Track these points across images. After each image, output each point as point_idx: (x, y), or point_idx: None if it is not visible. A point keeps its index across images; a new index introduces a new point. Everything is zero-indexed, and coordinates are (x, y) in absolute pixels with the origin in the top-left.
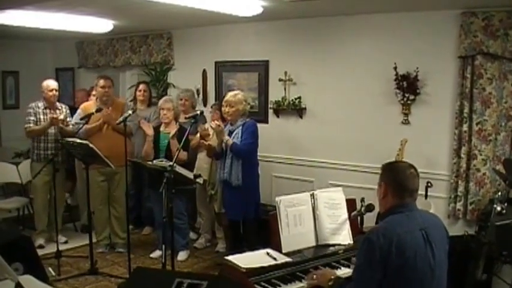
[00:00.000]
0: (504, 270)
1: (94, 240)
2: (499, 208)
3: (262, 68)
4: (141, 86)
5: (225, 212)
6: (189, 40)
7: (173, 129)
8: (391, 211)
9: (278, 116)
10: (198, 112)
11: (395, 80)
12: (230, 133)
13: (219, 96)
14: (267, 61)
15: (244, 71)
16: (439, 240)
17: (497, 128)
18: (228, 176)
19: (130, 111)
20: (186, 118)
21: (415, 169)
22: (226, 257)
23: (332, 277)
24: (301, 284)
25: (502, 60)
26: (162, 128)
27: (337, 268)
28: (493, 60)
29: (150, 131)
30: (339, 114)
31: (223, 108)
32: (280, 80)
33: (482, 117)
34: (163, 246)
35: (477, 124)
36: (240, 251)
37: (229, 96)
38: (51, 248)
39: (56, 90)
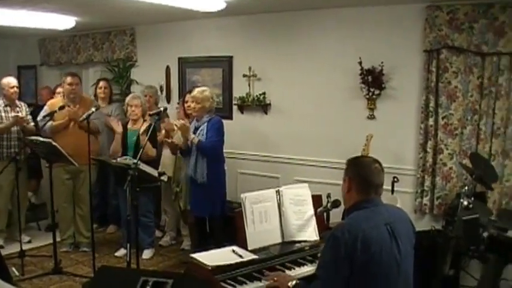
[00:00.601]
0: (472, 265)
1: (58, 239)
2: (465, 202)
3: (226, 64)
4: (101, 83)
5: (191, 209)
6: (152, 36)
7: (141, 126)
8: (356, 206)
9: (242, 112)
10: (162, 109)
11: (360, 74)
12: (196, 129)
13: (183, 93)
14: (231, 57)
15: (208, 67)
16: (404, 235)
17: (463, 122)
18: (193, 173)
19: (93, 109)
20: (149, 115)
21: (380, 164)
22: (192, 255)
23: (293, 281)
24: (267, 282)
25: (467, 54)
26: (129, 125)
27: (303, 265)
28: (458, 53)
29: (119, 129)
30: (304, 109)
31: (188, 104)
32: (244, 75)
33: (448, 111)
34: (128, 245)
35: (443, 118)
36: (206, 248)
37: (197, 92)
38: (14, 248)
39: (16, 87)
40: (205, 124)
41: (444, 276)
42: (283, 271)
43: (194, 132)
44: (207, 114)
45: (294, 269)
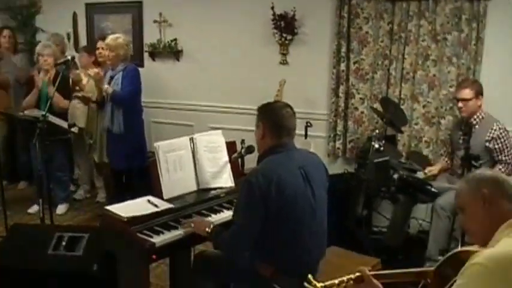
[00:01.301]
0: (383, 205)
1: None
2: (376, 145)
3: (135, 10)
4: (5, 32)
5: (109, 161)
6: None
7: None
8: (269, 151)
9: (154, 60)
10: (69, 58)
11: (272, 20)
12: (111, 79)
13: (91, 41)
14: (140, 2)
15: (116, 13)
16: (318, 179)
17: (374, 67)
18: (110, 124)
19: None
20: (56, 65)
21: (291, 108)
22: (106, 207)
23: (210, 226)
24: (185, 229)
25: (378, 0)
26: (41, 76)
27: (219, 212)
28: None
29: (40, 83)
30: (217, 56)
31: (101, 52)
32: (155, 21)
33: (359, 57)
34: (41, 200)
35: (354, 63)
36: (121, 199)
37: (110, 39)
38: None
39: None
40: (121, 73)
41: (357, 217)
42: None
43: (109, 82)
44: (122, 62)
45: (211, 216)
